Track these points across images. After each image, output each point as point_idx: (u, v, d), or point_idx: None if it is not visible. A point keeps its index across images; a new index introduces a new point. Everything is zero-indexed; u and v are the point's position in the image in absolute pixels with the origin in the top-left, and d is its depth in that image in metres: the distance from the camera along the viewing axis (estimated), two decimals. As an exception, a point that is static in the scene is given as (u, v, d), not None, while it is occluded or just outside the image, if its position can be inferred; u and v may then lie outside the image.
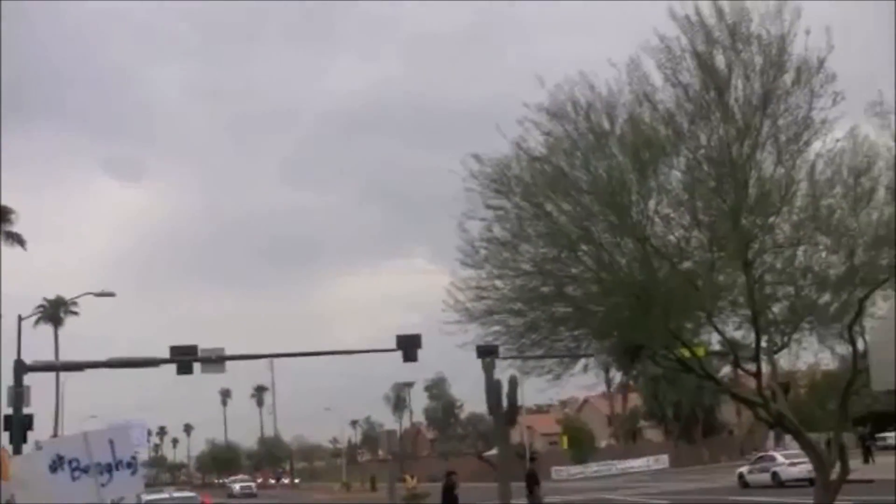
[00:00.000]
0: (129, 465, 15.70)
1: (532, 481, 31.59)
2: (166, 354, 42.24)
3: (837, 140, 17.53)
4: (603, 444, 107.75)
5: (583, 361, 21.18)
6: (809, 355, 22.08)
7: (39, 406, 42.58)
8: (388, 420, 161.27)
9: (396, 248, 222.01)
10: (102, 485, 15.26)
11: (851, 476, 20.26)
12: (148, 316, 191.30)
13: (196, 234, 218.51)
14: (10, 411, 39.93)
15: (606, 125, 18.49)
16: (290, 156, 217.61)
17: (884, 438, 74.79)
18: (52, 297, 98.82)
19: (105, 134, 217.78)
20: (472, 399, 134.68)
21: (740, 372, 24.47)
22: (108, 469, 15.46)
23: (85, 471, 15.25)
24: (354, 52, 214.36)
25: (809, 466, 45.91)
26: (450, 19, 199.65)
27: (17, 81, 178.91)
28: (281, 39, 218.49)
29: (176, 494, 29.24)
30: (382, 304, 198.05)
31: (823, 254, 18.72)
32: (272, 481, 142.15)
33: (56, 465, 15.32)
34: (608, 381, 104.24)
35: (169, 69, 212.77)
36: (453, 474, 33.34)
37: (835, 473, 20.26)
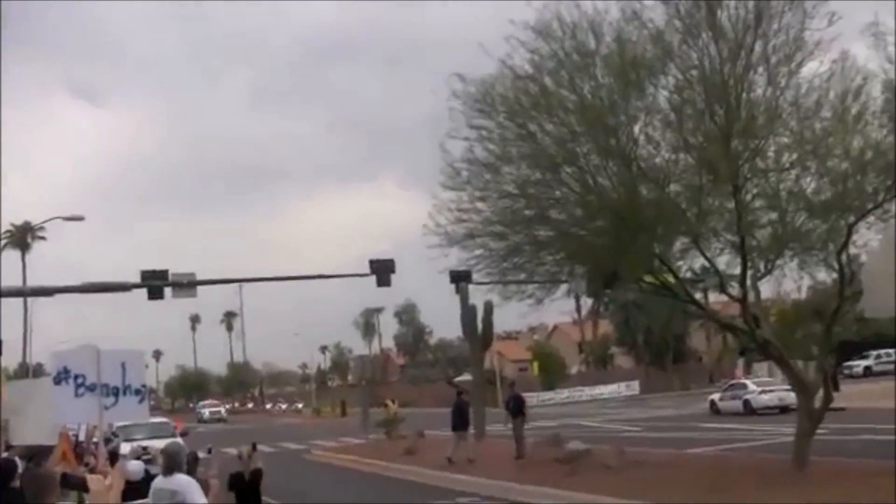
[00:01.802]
0: (137, 391, 15.12)
1: (521, 405, 31.45)
2: (137, 280, 41.74)
3: (834, 61, 17.10)
4: (573, 370, 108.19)
5: (566, 286, 20.90)
6: (790, 283, 21.89)
7: (7, 332, 42.00)
8: (357, 346, 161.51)
9: (365, 172, 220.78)
10: (106, 407, 14.73)
11: (820, 404, 20.12)
12: (117, 242, 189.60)
13: (164, 158, 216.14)
14: (-22, 336, 39.41)
15: (592, 44, 18.04)
16: (257, 81, 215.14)
17: (850, 367, 75.36)
18: (19, 222, 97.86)
19: (69, 56, 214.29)
20: (441, 325, 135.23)
21: (711, 299, 24.21)
22: (115, 392, 14.87)
23: (91, 389, 14.64)
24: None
25: (780, 394, 46.64)
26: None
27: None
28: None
29: (150, 420, 28.82)
30: (351, 230, 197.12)
31: (808, 179, 18.37)
32: (268, 406, 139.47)
33: (61, 377, 14.70)
34: (578, 308, 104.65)
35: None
36: (464, 393, 33.34)
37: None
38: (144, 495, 10.36)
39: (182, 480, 9.76)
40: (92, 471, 13.51)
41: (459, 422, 30.85)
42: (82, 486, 10.53)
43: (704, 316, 23.86)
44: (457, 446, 29.83)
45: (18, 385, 18.59)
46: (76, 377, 14.80)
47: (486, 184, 19.29)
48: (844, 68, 17.46)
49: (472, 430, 32.35)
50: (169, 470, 9.76)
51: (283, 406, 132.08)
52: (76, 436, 18.00)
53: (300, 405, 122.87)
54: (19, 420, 15.07)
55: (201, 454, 13.03)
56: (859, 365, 76.85)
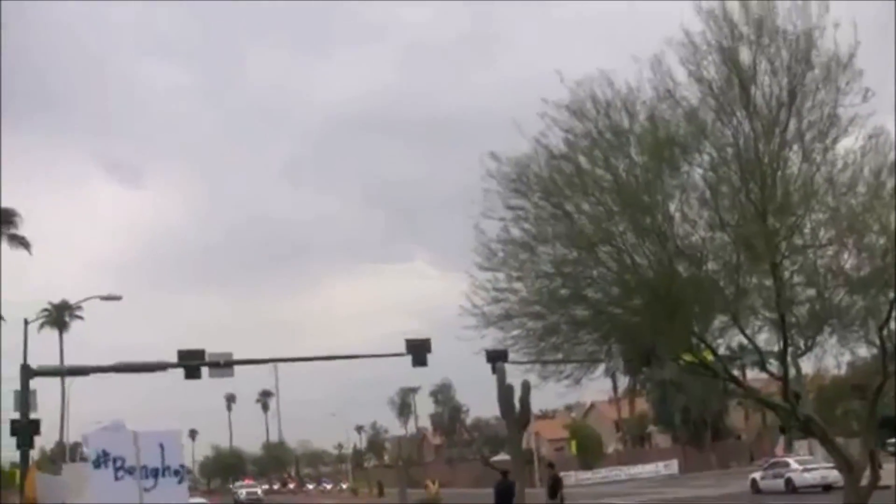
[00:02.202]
0: (176, 472, 15.07)
1: (557, 486, 31.33)
2: (173, 359, 41.92)
3: (870, 136, 17.10)
4: (610, 449, 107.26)
5: (603, 365, 20.78)
6: (830, 359, 21.67)
7: (43, 411, 42.09)
8: (392, 425, 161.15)
9: (397, 252, 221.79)
10: (146, 489, 14.66)
11: (866, 482, 19.76)
12: (152, 320, 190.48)
13: (199, 236, 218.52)
14: (16, 416, 39.57)
15: (626, 123, 18.12)
16: (292, 158, 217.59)
17: (893, 444, 74.28)
18: (56, 301, 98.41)
19: (107, 136, 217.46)
20: (478, 404, 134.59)
21: (750, 377, 23.93)
22: (155, 474, 14.82)
23: (129, 472, 14.60)
24: (356, 55, 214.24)
25: (823, 472, 46.05)
26: (457, 19, 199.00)
27: (15, 82, 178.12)
28: (282, 41, 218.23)
29: (189, 501, 28.73)
30: (382, 308, 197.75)
31: (846, 255, 18.27)
32: (310, 486, 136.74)
33: (100, 460, 14.67)
34: (615, 386, 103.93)
35: (170, 70, 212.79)
36: (508, 472, 33.39)
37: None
38: None
39: None
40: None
41: (504, 502, 30.85)
42: None
43: (744, 394, 23.56)
44: None
45: (76, 468, 18.55)
46: (115, 460, 14.79)
47: (522, 264, 19.24)
48: (878, 144, 17.46)
49: None
50: None
51: (329, 486, 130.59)
52: None
53: (345, 485, 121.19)
54: (80, 498, 15.02)
55: None
56: (901, 442, 75.72)
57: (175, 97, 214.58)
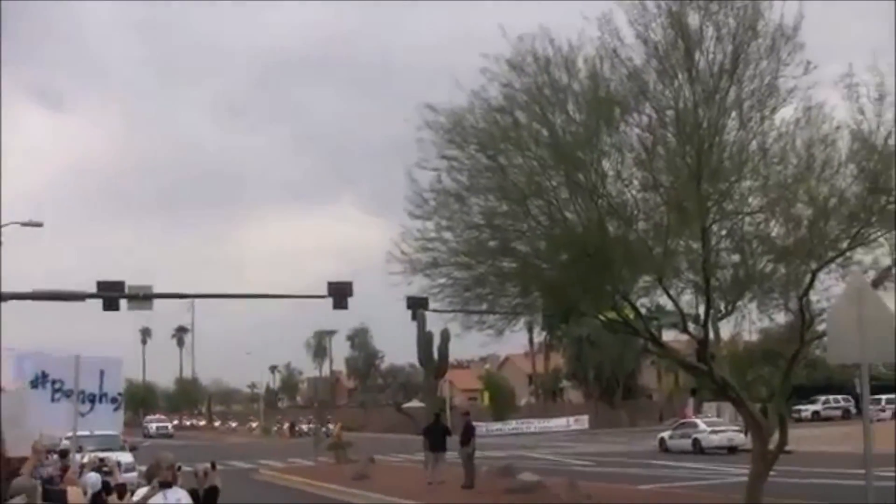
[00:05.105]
0: (113, 400, 15.02)
1: (468, 433, 31.59)
2: (92, 290, 41.39)
3: (809, 108, 17.29)
4: (523, 402, 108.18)
5: (525, 318, 20.95)
6: (747, 324, 22.08)
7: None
8: (307, 367, 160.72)
9: (325, 193, 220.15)
10: (82, 414, 14.57)
11: (774, 446, 20.26)
12: (76, 251, 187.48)
13: (128, 170, 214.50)
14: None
15: (565, 79, 18.10)
16: (221, 95, 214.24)
17: (798, 411, 76.04)
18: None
19: (26, 59, 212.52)
20: (394, 350, 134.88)
21: (667, 338, 24.30)
22: (92, 399, 14.74)
23: (67, 395, 14.51)
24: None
25: (730, 435, 47.12)
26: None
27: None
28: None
29: (98, 432, 28.42)
30: (307, 249, 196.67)
31: (773, 223, 18.52)
32: (216, 423, 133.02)
33: (38, 381, 14.54)
34: (531, 340, 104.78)
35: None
36: (441, 415, 34.54)
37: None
38: None
39: (182, 494, 9.71)
40: (49, 481, 13.32)
41: (440, 442, 31.41)
42: (62, 500, 10.43)
43: (663, 354, 23.84)
44: (434, 467, 30.41)
45: (14, 395, 18.20)
46: (53, 382, 14.66)
47: (452, 214, 19.26)
48: (812, 117, 17.64)
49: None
50: (168, 484, 9.64)
51: (234, 424, 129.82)
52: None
53: (255, 424, 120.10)
54: (15, 432, 14.77)
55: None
56: (808, 409, 77.64)
57: (98, 23, 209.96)
